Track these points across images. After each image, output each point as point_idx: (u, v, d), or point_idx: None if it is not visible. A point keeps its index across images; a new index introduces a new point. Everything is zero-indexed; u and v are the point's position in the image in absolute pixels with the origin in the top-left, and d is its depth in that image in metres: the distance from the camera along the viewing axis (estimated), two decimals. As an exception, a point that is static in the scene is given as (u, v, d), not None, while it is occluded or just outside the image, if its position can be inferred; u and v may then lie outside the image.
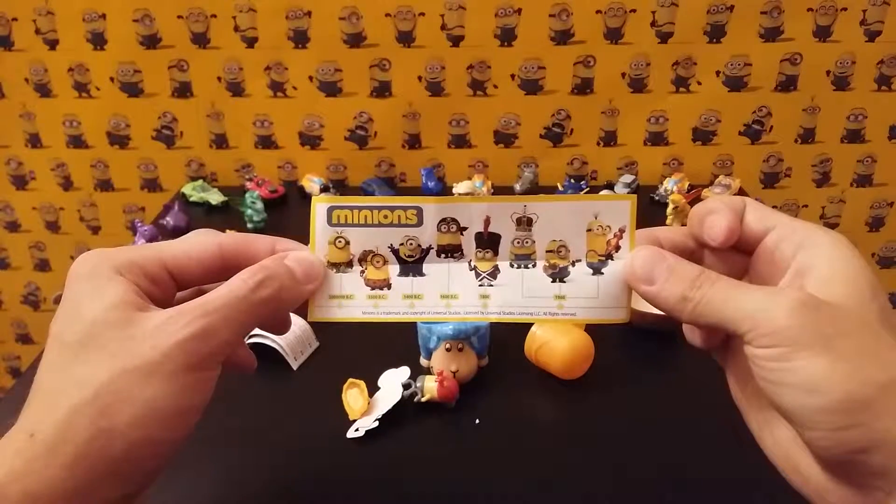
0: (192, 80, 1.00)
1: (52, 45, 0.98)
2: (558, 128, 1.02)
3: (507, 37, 0.96)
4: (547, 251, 0.38)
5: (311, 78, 0.99)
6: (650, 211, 0.94)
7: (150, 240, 0.78)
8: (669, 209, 0.88)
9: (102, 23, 0.96)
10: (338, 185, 1.01)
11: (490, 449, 0.52)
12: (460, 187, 0.88)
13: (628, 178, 0.99)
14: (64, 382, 0.30)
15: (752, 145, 1.03)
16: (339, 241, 0.40)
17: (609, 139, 1.03)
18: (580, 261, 0.38)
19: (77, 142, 1.05)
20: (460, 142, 1.03)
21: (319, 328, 0.64)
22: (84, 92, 1.01)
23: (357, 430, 0.52)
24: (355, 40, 0.96)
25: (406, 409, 0.54)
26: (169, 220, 0.86)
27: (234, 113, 1.02)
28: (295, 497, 0.48)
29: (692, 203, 0.91)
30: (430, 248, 0.39)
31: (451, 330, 0.56)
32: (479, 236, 0.39)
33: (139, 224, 0.79)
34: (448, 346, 0.56)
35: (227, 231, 0.37)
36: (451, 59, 0.97)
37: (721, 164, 1.04)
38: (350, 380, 0.55)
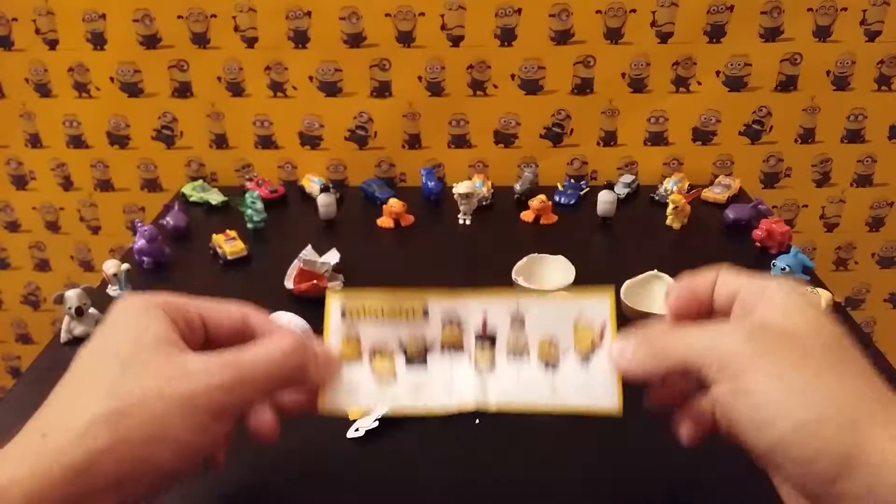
0: (192, 80, 1.00)
1: (52, 45, 0.98)
2: (558, 128, 1.02)
3: (507, 37, 0.96)
4: (539, 345, 0.43)
5: (311, 78, 0.99)
6: (650, 211, 0.94)
7: (150, 240, 0.78)
8: (669, 209, 0.88)
9: (102, 23, 0.96)
10: (338, 186, 1.01)
11: (490, 449, 0.52)
12: (460, 187, 0.88)
13: (628, 178, 0.99)
14: (93, 392, 0.32)
15: (752, 145, 1.03)
16: (351, 335, 0.43)
17: (609, 139, 1.03)
18: (570, 353, 0.42)
19: (77, 142, 1.05)
20: (460, 142, 1.03)
21: (319, 328, 0.64)
22: (84, 92, 1.01)
23: (357, 430, 0.52)
24: (355, 40, 0.96)
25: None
26: (169, 220, 0.86)
27: (234, 113, 1.02)
28: (295, 497, 0.48)
29: (692, 203, 0.91)
30: (434, 342, 0.43)
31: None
32: (478, 333, 0.43)
33: (139, 224, 0.79)
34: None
35: (248, 306, 0.40)
36: (451, 59, 0.97)
37: (721, 164, 1.04)
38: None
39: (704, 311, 0.39)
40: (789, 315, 0.34)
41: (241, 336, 0.39)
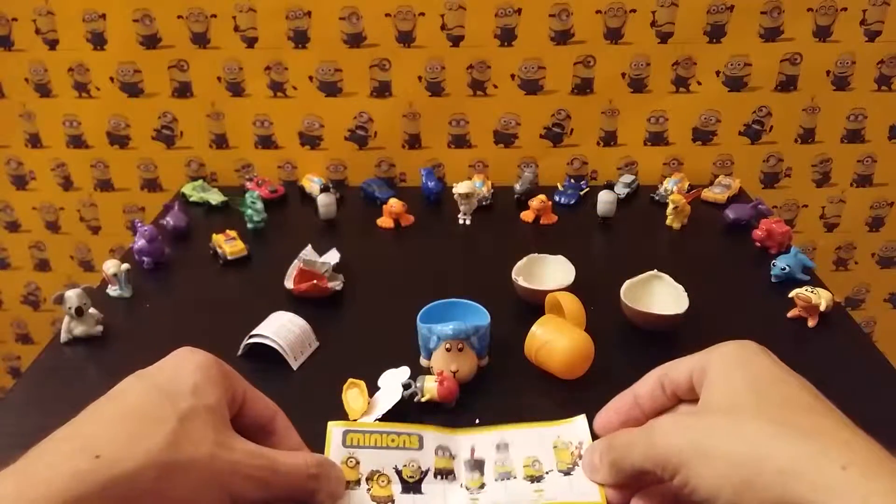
0: (192, 80, 1.00)
1: (52, 45, 0.98)
2: (558, 128, 1.02)
3: (507, 37, 0.96)
4: (524, 466, 0.48)
5: (311, 78, 0.99)
6: (650, 211, 0.94)
7: (150, 240, 0.78)
8: (669, 209, 0.88)
9: (102, 23, 0.96)
10: (338, 186, 1.01)
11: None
12: (460, 187, 0.88)
13: (628, 178, 0.99)
14: (153, 434, 0.34)
15: (752, 145, 1.03)
16: (351, 461, 0.47)
17: (609, 139, 1.03)
18: (552, 470, 0.47)
19: (77, 142, 1.05)
20: (460, 142, 1.03)
21: (320, 328, 0.64)
22: (84, 92, 1.01)
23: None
24: (355, 40, 0.96)
25: (406, 409, 0.54)
26: (169, 220, 0.86)
27: (234, 113, 1.02)
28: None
29: (692, 203, 0.91)
30: (428, 470, 0.47)
31: (451, 330, 0.56)
32: (467, 461, 0.49)
33: (139, 224, 0.79)
34: (448, 346, 0.56)
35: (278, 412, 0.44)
36: (451, 59, 0.97)
37: (721, 164, 1.04)
38: (350, 380, 0.55)
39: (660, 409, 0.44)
40: (722, 386, 0.38)
41: (266, 430, 0.42)
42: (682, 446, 0.36)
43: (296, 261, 0.74)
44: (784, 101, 1.00)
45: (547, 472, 0.48)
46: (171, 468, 0.33)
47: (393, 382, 0.56)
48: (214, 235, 0.82)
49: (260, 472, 0.37)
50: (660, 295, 0.67)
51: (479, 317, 0.60)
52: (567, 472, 0.47)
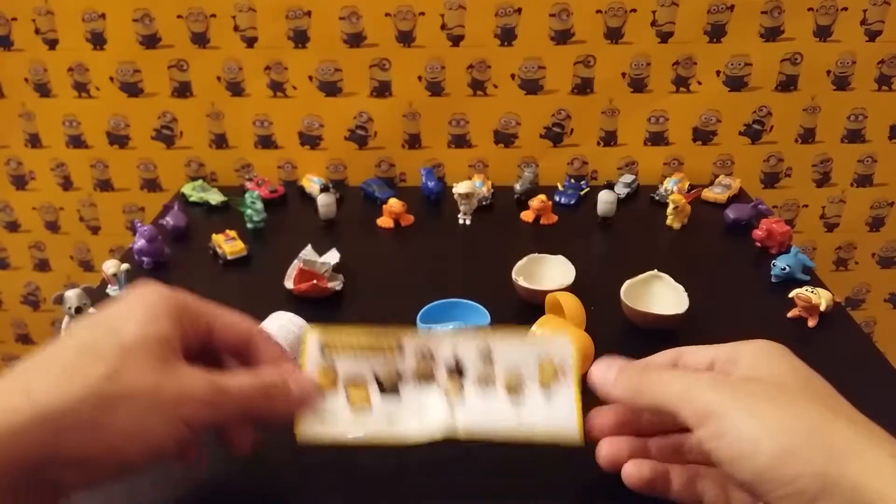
0: (192, 79, 0.99)
1: (52, 44, 0.98)
2: (558, 127, 1.02)
3: (507, 36, 0.96)
4: (506, 377, 0.46)
5: (310, 78, 0.99)
6: (650, 211, 0.94)
7: (150, 240, 0.78)
8: (669, 209, 0.88)
9: (102, 22, 0.96)
10: (338, 185, 1.01)
11: (490, 450, 0.52)
12: (460, 187, 0.88)
13: (628, 178, 0.99)
14: (92, 369, 0.34)
15: (752, 145, 1.03)
16: (329, 368, 0.46)
17: (609, 139, 1.03)
18: (534, 385, 0.46)
19: (77, 142, 1.05)
20: (460, 141, 1.03)
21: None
22: (84, 92, 1.01)
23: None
24: (355, 40, 0.96)
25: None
26: (169, 220, 0.86)
27: (233, 113, 1.02)
28: (295, 497, 0.48)
29: (692, 203, 0.91)
30: (407, 374, 0.46)
31: (451, 330, 0.56)
32: (448, 366, 0.46)
33: (139, 224, 0.79)
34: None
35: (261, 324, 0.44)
36: (451, 58, 0.97)
37: (721, 163, 1.04)
38: (350, 380, 0.54)
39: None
40: (765, 366, 0.37)
41: (244, 352, 0.42)
42: (724, 397, 0.35)
43: (296, 261, 0.74)
44: (784, 101, 1.00)
45: (528, 386, 0.46)
46: (111, 399, 0.34)
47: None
48: (214, 235, 0.82)
49: (209, 396, 0.37)
50: (660, 295, 0.67)
51: (479, 317, 0.60)
52: (548, 390, 0.46)
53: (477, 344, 0.47)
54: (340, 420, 0.45)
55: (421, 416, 0.45)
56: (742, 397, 0.35)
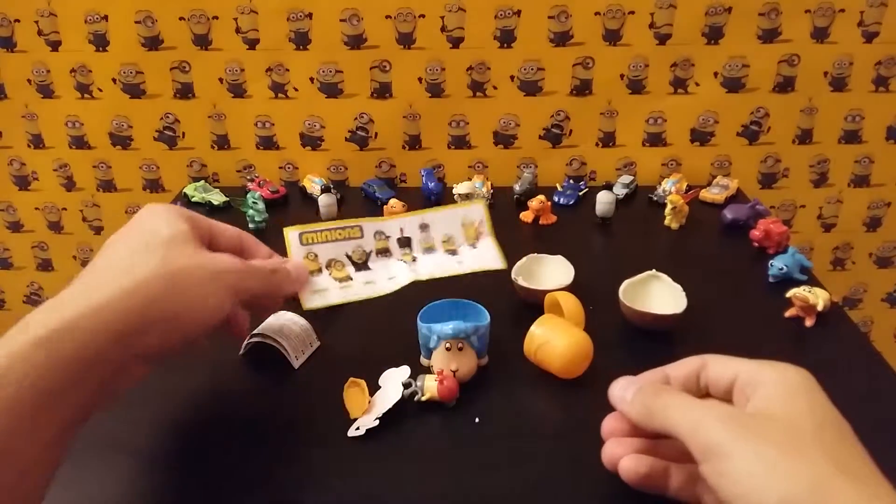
0: (194, 81, 1.00)
1: (55, 46, 0.98)
2: (557, 129, 1.03)
3: (506, 38, 0.96)
4: (442, 242, 0.68)
5: (311, 79, 0.99)
6: (649, 211, 0.95)
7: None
8: (668, 210, 0.88)
9: (104, 24, 0.96)
10: (338, 186, 1.02)
11: (490, 448, 0.52)
12: (460, 188, 0.88)
13: (627, 178, 0.99)
14: (147, 258, 0.43)
15: (749, 146, 1.03)
16: (310, 255, 0.63)
17: (608, 140, 1.03)
18: (463, 244, 0.68)
19: (79, 142, 1.05)
20: (460, 143, 1.04)
21: (321, 328, 0.65)
22: (86, 93, 1.01)
23: (357, 428, 0.53)
24: (356, 42, 0.97)
25: (406, 408, 0.55)
26: (171, 221, 0.87)
27: (235, 114, 1.02)
28: (295, 495, 0.48)
29: (690, 203, 0.91)
30: (371, 251, 0.65)
31: (451, 329, 0.57)
32: (399, 240, 0.66)
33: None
34: (448, 345, 0.57)
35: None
36: (450, 60, 0.98)
37: (719, 164, 1.05)
38: (351, 379, 0.55)
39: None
40: (784, 401, 0.37)
41: (238, 251, 0.52)
42: (733, 436, 0.35)
43: (297, 261, 0.75)
44: (782, 102, 1.00)
45: (459, 247, 0.66)
46: (174, 275, 0.42)
47: (393, 381, 0.56)
48: (216, 236, 0.82)
49: (242, 268, 0.48)
50: (658, 295, 0.68)
51: (478, 316, 0.61)
52: (473, 246, 0.67)
53: (416, 220, 0.68)
54: (331, 291, 0.60)
55: (390, 277, 0.63)
56: (751, 438, 0.35)
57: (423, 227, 0.68)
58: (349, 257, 0.64)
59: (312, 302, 0.59)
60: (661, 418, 0.39)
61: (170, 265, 0.43)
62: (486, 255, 0.65)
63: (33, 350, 0.37)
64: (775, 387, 0.38)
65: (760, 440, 0.34)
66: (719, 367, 0.42)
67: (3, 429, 0.34)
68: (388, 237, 0.66)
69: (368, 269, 0.64)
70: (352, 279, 0.62)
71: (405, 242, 0.66)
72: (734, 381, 0.40)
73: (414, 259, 0.65)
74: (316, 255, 0.63)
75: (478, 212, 0.70)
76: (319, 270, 0.62)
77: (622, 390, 0.44)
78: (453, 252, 0.65)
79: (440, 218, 0.68)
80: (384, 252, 0.65)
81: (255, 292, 0.50)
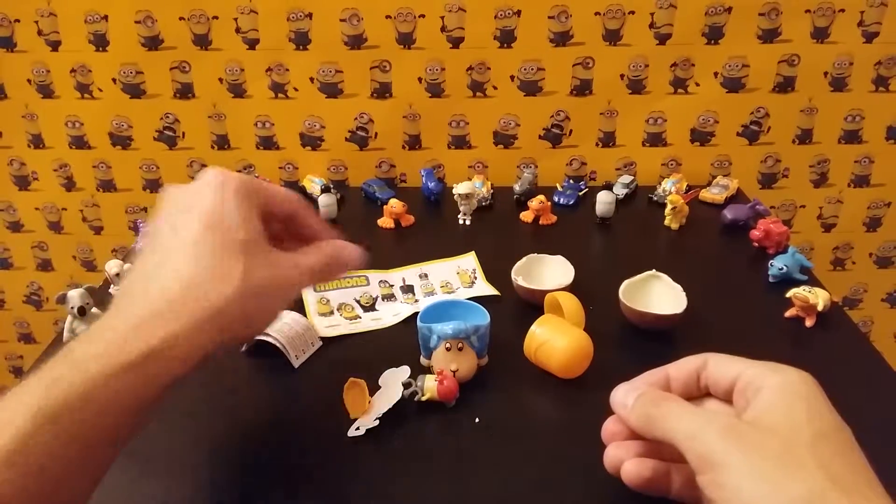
0: (194, 81, 1.00)
1: (55, 46, 0.98)
2: (557, 129, 1.03)
3: (506, 38, 0.96)
4: (441, 286, 0.73)
5: (311, 79, 0.99)
6: (649, 211, 0.95)
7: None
8: (668, 210, 0.88)
9: (104, 24, 0.96)
10: (338, 186, 1.02)
11: (490, 448, 0.52)
12: (460, 188, 0.88)
13: (627, 178, 0.99)
14: (231, 268, 0.42)
15: (749, 146, 1.03)
16: (323, 300, 0.70)
17: (608, 140, 1.03)
18: (459, 287, 0.73)
19: (79, 142, 1.05)
20: (460, 142, 1.04)
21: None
22: (86, 93, 1.01)
23: (357, 428, 0.52)
24: (356, 42, 0.97)
25: (406, 408, 0.55)
26: (171, 221, 0.87)
27: (235, 114, 1.02)
28: (296, 495, 0.48)
29: (690, 203, 0.91)
30: (377, 296, 0.71)
31: (451, 329, 0.57)
32: (401, 287, 0.73)
33: (141, 224, 0.80)
34: (448, 345, 0.57)
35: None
36: (450, 60, 0.98)
37: (719, 164, 1.05)
38: (351, 379, 0.55)
39: (692, 394, 0.44)
40: (784, 410, 0.37)
41: (291, 221, 0.49)
42: (731, 449, 0.35)
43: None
44: (782, 102, 1.00)
45: (457, 289, 0.72)
46: (251, 295, 0.42)
47: (393, 381, 0.56)
48: (216, 236, 0.82)
49: (299, 278, 0.46)
50: (658, 295, 0.68)
51: (478, 316, 0.61)
52: (469, 286, 0.73)
53: (416, 271, 0.75)
54: (342, 326, 0.66)
55: (394, 314, 0.68)
56: (748, 451, 0.35)
57: (423, 276, 0.75)
58: (357, 301, 0.70)
59: (325, 332, 0.65)
60: (661, 427, 0.40)
61: (246, 286, 0.41)
62: (481, 289, 0.72)
63: (122, 373, 0.37)
64: (775, 393, 0.38)
65: (757, 454, 0.34)
66: (721, 368, 0.42)
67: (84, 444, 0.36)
68: (391, 285, 0.73)
69: (375, 310, 0.69)
70: (360, 317, 0.68)
71: (408, 289, 0.72)
72: (735, 383, 0.40)
73: (416, 301, 0.70)
74: (328, 300, 0.69)
75: (469, 262, 0.77)
76: (331, 312, 0.68)
77: (624, 396, 0.43)
78: (451, 293, 0.72)
79: (437, 268, 0.76)
80: (389, 297, 0.71)
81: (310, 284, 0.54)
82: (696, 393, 0.43)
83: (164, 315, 0.39)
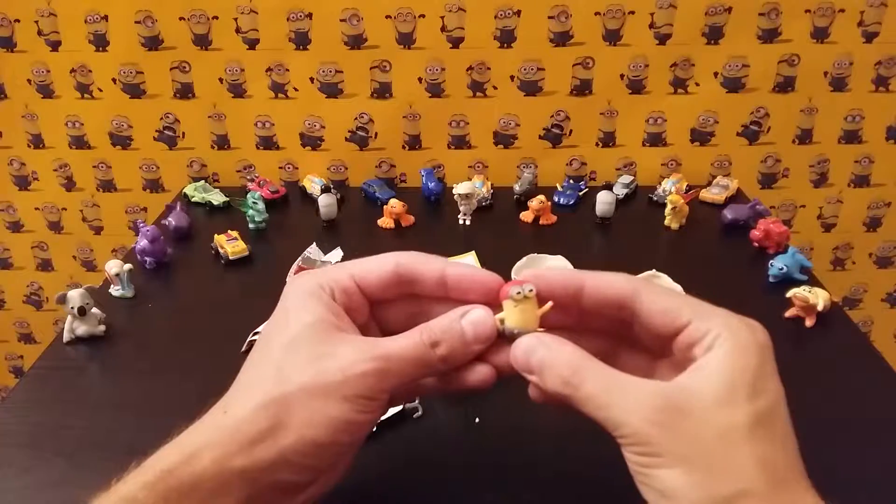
0: (194, 81, 1.00)
1: (55, 46, 0.98)
2: (557, 129, 1.03)
3: (506, 38, 0.96)
4: None
5: (311, 79, 0.99)
6: (649, 211, 0.95)
7: (153, 240, 0.78)
8: (668, 210, 0.88)
9: (104, 24, 0.96)
10: (338, 186, 1.02)
11: (490, 449, 0.52)
12: (460, 188, 0.88)
13: (627, 178, 0.99)
14: (262, 379, 0.36)
15: (749, 146, 1.03)
16: None
17: (608, 140, 1.03)
18: None
19: (79, 142, 1.05)
20: (460, 142, 1.04)
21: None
22: (86, 93, 1.01)
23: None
24: (356, 42, 0.97)
25: (403, 421, 0.55)
26: (171, 221, 0.87)
27: (235, 114, 1.02)
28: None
29: (690, 203, 0.91)
30: None
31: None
32: None
33: (141, 224, 0.80)
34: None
35: (401, 253, 0.40)
36: (450, 60, 0.98)
37: (719, 164, 1.05)
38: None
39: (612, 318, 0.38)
40: (726, 386, 0.33)
41: (398, 284, 0.39)
42: (661, 435, 0.32)
43: (298, 259, 0.75)
44: (782, 102, 1.00)
45: None
46: (280, 401, 0.35)
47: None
48: (216, 236, 0.82)
49: (371, 369, 0.35)
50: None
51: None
52: None
53: None
54: None
55: None
56: (679, 440, 0.32)
57: None
58: None
59: None
60: (587, 402, 0.34)
61: (281, 385, 0.35)
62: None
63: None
64: (723, 361, 0.34)
65: (688, 444, 0.32)
66: (660, 305, 0.36)
67: None
68: None
69: None
70: None
71: None
72: (678, 330, 0.36)
73: None
74: None
75: (469, 262, 0.73)
76: None
77: (526, 356, 0.36)
78: None
79: None
80: None
81: (407, 380, 0.37)
82: (611, 326, 0.39)
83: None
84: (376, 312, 0.41)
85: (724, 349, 0.34)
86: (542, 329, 0.37)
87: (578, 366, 0.35)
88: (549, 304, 0.37)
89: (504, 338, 0.37)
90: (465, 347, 0.37)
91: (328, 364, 0.35)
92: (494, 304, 0.37)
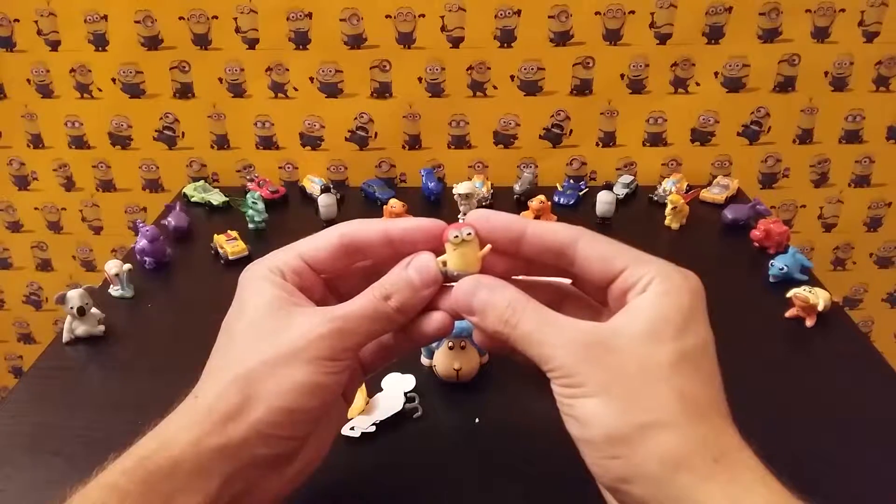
0: (194, 81, 1.00)
1: (54, 46, 0.98)
2: (557, 128, 1.03)
3: (506, 38, 0.96)
4: None
5: (311, 79, 0.99)
6: (649, 211, 0.94)
7: (152, 240, 0.78)
8: (668, 210, 0.88)
9: (104, 24, 0.96)
10: (338, 186, 1.02)
11: (490, 449, 0.52)
12: (460, 188, 0.88)
13: (627, 178, 0.99)
14: (227, 361, 0.37)
15: (750, 146, 1.03)
16: None
17: (608, 140, 1.03)
18: None
19: (79, 142, 1.05)
20: (460, 142, 1.04)
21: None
22: (86, 93, 1.01)
23: (352, 428, 0.52)
24: (356, 41, 0.97)
25: (403, 421, 0.54)
26: (170, 221, 0.87)
27: (235, 114, 1.02)
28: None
29: (691, 203, 0.91)
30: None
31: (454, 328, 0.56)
32: None
33: (141, 224, 0.80)
34: (451, 343, 0.57)
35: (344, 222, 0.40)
36: (450, 60, 0.98)
37: (719, 164, 1.05)
38: (351, 379, 0.55)
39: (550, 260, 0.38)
40: (653, 324, 0.34)
41: (346, 255, 0.40)
42: (587, 367, 0.33)
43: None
44: (782, 102, 1.00)
45: None
46: (246, 376, 0.36)
47: (396, 388, 0.56)
48: (216, 236, 0.82)
49: (327, 331, 0.36)
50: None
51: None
52: None
53: None
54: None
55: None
56: (604, 373, 0.33)
57: None
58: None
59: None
60: (526, 341, 0.35)
61: (244, 364, 0.36)
62: None
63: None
64: (653, 303, 0.35)
65: (612, 375, 0.33)
66: (598, 252, 0.37)
67: None
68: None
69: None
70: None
71: None
72: (616, 275, 0.36)
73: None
74: None
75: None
76: None
77: (467, 295, 0.37)
78: None
79: None
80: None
81: (366, 337, 0.38)
82: (549, 271, 0.40)
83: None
84: (334, 287, 0.42)
85: (655, 291, 0.35)
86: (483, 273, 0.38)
87: (517, 306, 0.36)
88: (488, 246, 0.38)
89: (451, 282, 0.38)
90: (415, 293, 0.38)
91: (288, 334, 0.36)
92: (441, 251, 0.38)
